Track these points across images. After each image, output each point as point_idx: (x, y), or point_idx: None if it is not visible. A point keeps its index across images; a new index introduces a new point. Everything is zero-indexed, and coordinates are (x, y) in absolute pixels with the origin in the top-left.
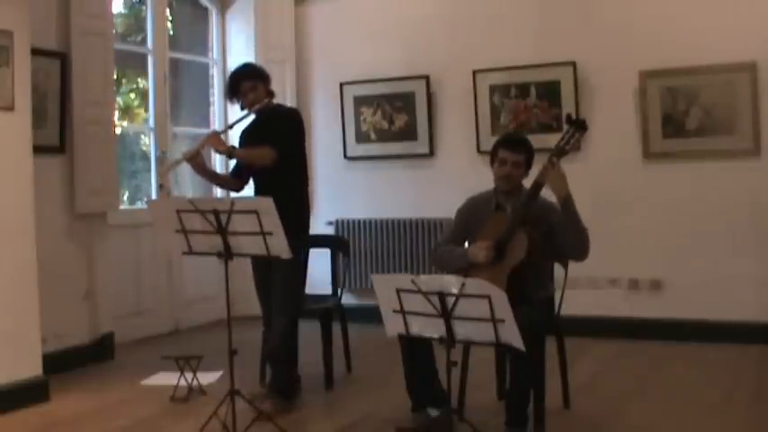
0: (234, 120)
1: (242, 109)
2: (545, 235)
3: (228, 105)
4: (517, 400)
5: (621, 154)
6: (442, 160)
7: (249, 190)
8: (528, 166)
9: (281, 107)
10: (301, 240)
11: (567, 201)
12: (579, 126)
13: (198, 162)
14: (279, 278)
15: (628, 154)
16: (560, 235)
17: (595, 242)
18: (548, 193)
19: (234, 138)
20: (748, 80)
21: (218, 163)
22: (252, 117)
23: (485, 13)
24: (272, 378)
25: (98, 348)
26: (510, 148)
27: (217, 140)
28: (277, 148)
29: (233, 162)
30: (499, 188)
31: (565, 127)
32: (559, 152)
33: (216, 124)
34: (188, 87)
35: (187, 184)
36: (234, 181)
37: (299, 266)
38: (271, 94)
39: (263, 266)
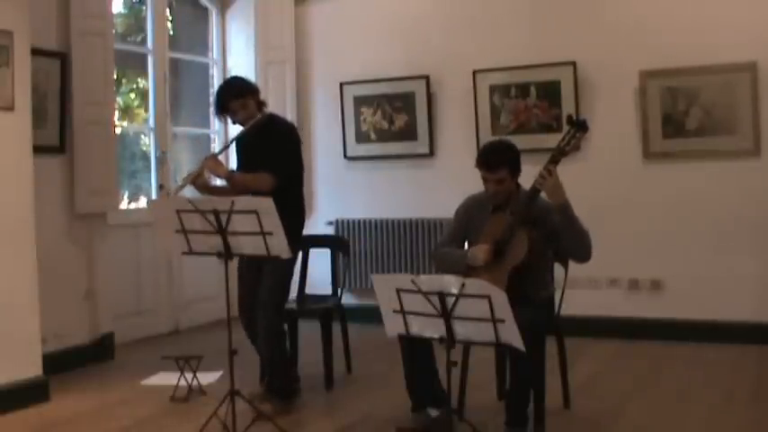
0: (229, 140)
1: (233, 123)
2: (547, 236)
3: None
4: (517, 400)
5: (621, 154)
6: (442, 160)
7: None
8: (513, 172)
9: (275, 120)
10: (294, 245)
11: (564, 208)
12: (580, 126)
13: (201, 183)
14: (267, 278)
15: (628, 154)
16: (561, 237)
17: (595, 242)
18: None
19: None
20: (748, 80)
21: None
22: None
23: (485, 12)
24: (271, 378)
25: (98, 348)
26: (486, 168)
27: (214, 164)
28: (277, 176)
29: None
30: (493, 203)
31: (565, 127)
32: (560, 152)
33: (216, 124)
34: (188, 87)
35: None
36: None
37: (286, 268)
38: (262, 104)
39: (249, 266)
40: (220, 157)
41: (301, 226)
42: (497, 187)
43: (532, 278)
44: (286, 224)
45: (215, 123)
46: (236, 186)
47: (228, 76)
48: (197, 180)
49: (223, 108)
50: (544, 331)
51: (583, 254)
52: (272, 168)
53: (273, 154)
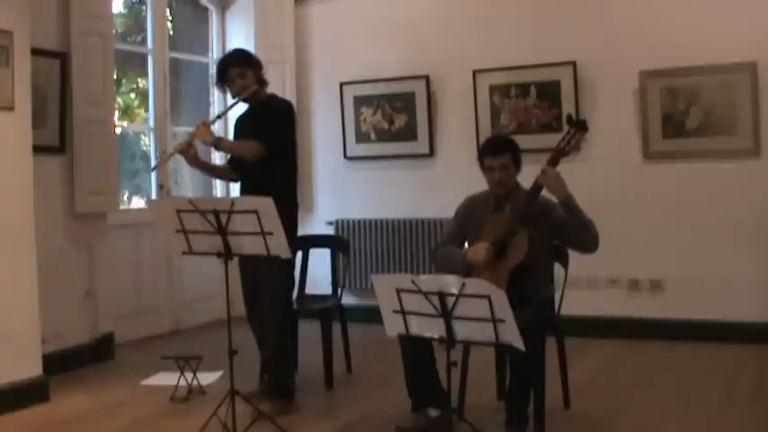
0: (222, 109)
1: (233, 97)
2: (548, 234)
3: (228, 103)
4: (517, 400)
5: (621, 154)
6: (442, 160)
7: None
8: (517, 162)
9: (274, 99)
10: (290, 238)
11: (568, 201)
12: (580, 126)
13: (190, 154)
14: (266, 279)
15: (628, 154)
16: (568, 232)
17: None
18: (549, 192)
19: (230, 125)
20: (748, 80)
21: (219, 155)
22: (243, 105)
23: (485, 12)
24: (271, 379)
25: (98, 348)
26: (493, 153)
27: (204, 131)
28: (265, 144)
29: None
30: (496, 194)
31: (565, 127)
32: (559, 153)
33: (215, 124)
34: (188, 87)
35: (187, 184)
36: (231, 171)
37: (286, 267)
38: (262, 82)
39: (250, 265)
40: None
41: (294, 221)
42: (502, 174)
43: (533, 278)
44: (283, 219)
45: (214, 123)
46: (226, 152)
47: None
48: (189, 150)
49: (222, 75)
50: (544, 331)
51: (591, 244)
52: (260, 137)
53: (263, 126)
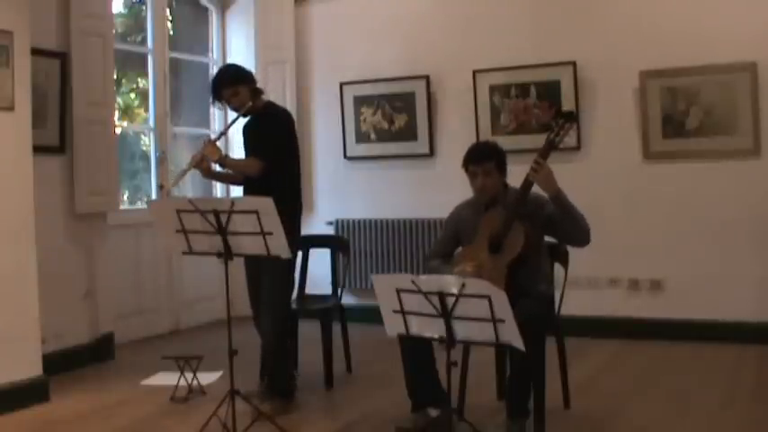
0: (225, 126)
1: (233, 111)
2: (542, 228)
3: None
4: (517, 395)
5: (621, 154)
6: (442, 160)
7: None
8: (501, 169)
9: (271, 108)
10: (292, 240)
11: (558, 196)
12: (568, 117)
13: (204, 167)
14: (266, 278)
15: (628, 154)
16: (560, 225)
17: (595, 242)
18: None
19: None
20: (748, 80)
21: None
22: (244, 118)
23: (485, 12)
24: (271, 378)
25: (98, 348)
26: (475, 161)
27: (212, 149)
28: (263, 159)
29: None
30: (481, 201)
31: (559, 121)
32: (550, 145)
33: (216, 124)
34: (188, 87)
35: (187, 185)
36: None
37: (286, 267)
38: (257, 92)
39: (253, 265)
40: (220, 144)
41: (296, 223)
42: (485, 180)
43: (529, 271)
44: (284, 219)
45: (215, 123)
46: (231, 170)
47: None
48: (201, 164)
49: (216, 96)
50: (545, 326)
51: (582, 237)
52: (260, 153)
53: (262, 140)
